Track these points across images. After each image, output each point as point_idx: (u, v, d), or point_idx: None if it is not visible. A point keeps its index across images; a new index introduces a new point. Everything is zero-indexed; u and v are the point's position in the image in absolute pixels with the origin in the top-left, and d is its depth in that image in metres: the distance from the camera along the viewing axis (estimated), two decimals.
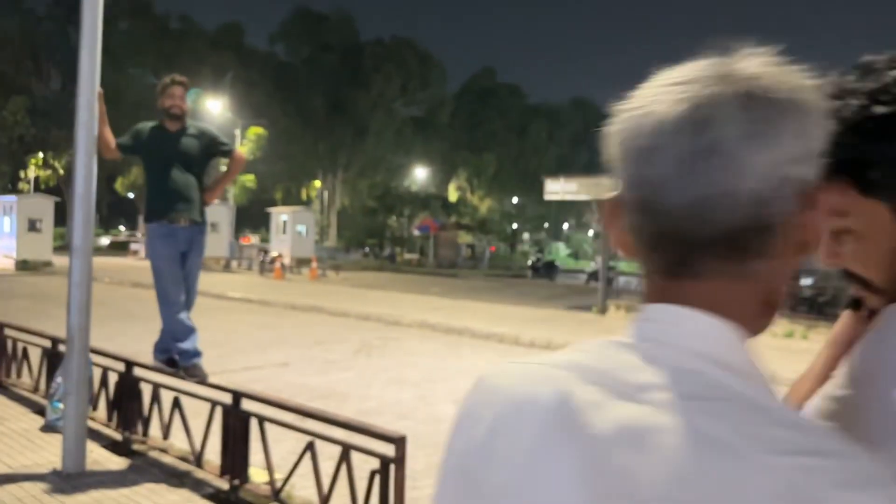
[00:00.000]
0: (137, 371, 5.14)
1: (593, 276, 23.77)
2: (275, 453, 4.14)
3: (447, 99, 58.42)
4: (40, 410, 5.95)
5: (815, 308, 14.32)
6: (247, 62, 42.18)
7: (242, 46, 44.73)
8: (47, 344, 6.14)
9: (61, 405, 5.41)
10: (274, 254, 24.47)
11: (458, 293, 19.32)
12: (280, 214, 29.81)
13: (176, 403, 4.73)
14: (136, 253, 32.22)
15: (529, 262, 26.54)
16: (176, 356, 4.65)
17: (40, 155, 38.93)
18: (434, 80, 56.65)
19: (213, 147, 4.75)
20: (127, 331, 11.03)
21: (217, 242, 27.80)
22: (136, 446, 5.05)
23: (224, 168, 5.71)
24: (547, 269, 25.50)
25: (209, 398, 4.58)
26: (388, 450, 3.34)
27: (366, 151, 50.89)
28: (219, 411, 4.37)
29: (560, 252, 36.89)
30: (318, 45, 50.53)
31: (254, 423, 4.16)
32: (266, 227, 49.74)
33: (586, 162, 66.90)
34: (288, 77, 46.23)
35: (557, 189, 13.84)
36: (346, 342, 11.39)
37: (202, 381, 4.53)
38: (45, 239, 23.02)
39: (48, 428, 5.45)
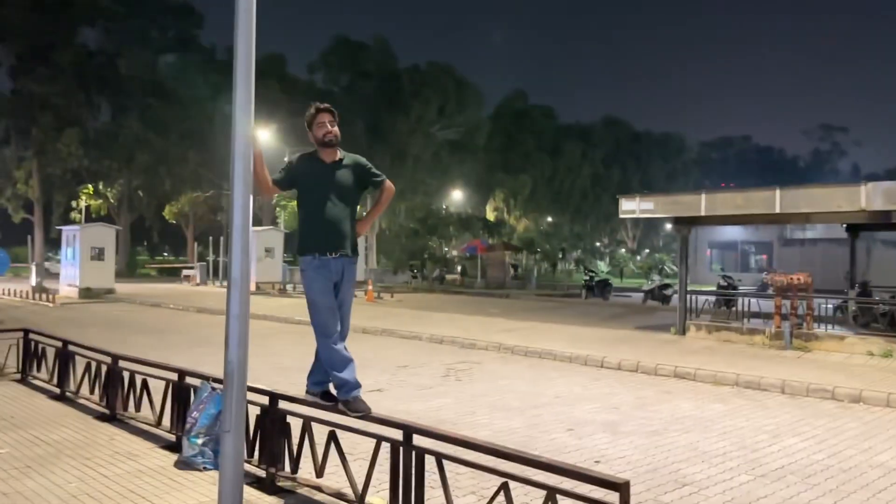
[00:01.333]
0: (282, 404, 5.03)
1: (650, 294, 23.36)
2: (458, 498, 3.97)
3: (483, 122, 58.60)
4: (168, 446, 5.87)
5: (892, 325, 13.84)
6: (290, 91, 42.69)
7: (285, 76, 45.36)
8: (171, 376, 6.07)
9: (199, 441, 5.32)
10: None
11: (517, 313, 19.08)
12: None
13: (332, 438, 4.60)
14: (189, 279, 32.51)
15: (583, 281, 26.14)
16: (334, 389, 4.53)
17: (90, 186, 39.71)
18: (470, 104, 56.88)
19: (366, 178, 4.66)
20: (209, 357, 11.01)
21: (272, 268, 27.97)
22: (281, 483, 4.92)
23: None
24: (601, 288, 25.11)
25: (371, 433, 4.44)
26: (604, 495, 3.15)
27: (404, 175, 51.12)
28: (385, 448, 4.23)
29: (602, 270, 36.39)
30: (356, 72, 51.23)
31: (429, 461, 4.00)
32: None
33: (619, 180, 66.56)
34: (329, 104, 46.81)
35: (633, 207, 13.60)
36: (428, 366, 11.24)
37: (365, 415, 4.39)
38: (108, 267, 23.37)
39: (184, 465, 5.35)
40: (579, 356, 11.71)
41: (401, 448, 4.12)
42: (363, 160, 4.72)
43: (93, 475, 5.11)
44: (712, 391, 9.50)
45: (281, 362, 11.06)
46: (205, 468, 5.26)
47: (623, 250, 67.29)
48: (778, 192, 11.57)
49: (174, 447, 5.79)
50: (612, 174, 67.75)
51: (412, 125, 50.54)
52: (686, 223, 13.46)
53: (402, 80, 51.18)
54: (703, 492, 5.46)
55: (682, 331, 13.52)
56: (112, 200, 39.30)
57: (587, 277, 26.21)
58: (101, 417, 6.75)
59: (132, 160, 38.31)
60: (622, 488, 3.07)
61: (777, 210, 11.56)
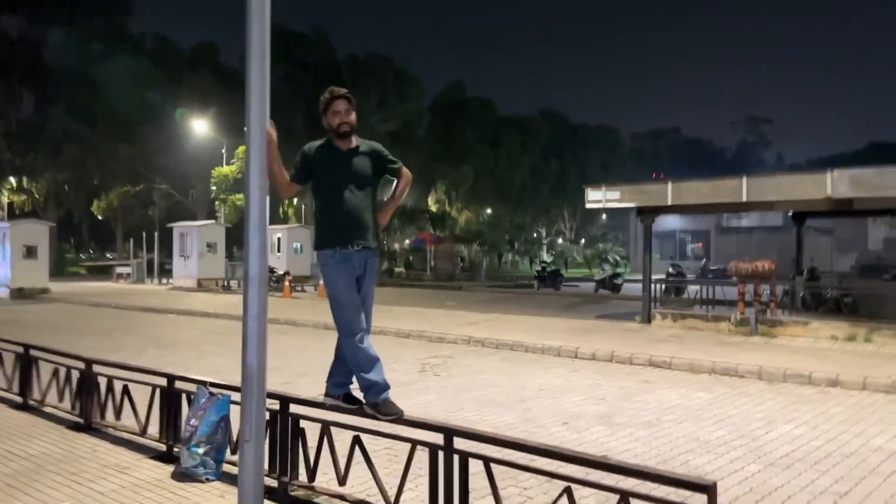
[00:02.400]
0: (294, 408, 4.70)
1: (602, 283, 23.63)
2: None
3: (423, 113, 58.29)
4: (159, 456, 5.45)
5: (843, 308, 14.32)
6: (224, 81, 41.39)
7: (219, 65, 43.94)
8: (157, 381, 5.63)
9: (200, 450, 4.95)
10: (281, 272, 23.83)
11: (475, 305, 18.96)
12: (274, 232, 29.17)
13: (356, 443, 4.30)
14: (123, 276, 31.18)
15: (535, 272, 26.23)
16: (360, 391, 4.23)
17: (13, 181, 37.62)
18: (410, 95, 56.49)
19: (382, 165, 4.37)
20: (168, 359, 10.50)
21: (215, 264, 27.07)
22: (295, 493, 4.60)
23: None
24: (552, 279, 25.25)
25: (404, 436, 4.17)
26: (684, 497, 2.98)
27: None
28: (422, 454, 3.96)
29: (548, 261, 36.80)
30: (294, 62, 50.18)
31: (475, 466, 3.76)
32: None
33: (558, 171, 67.45)
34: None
35: (600, 197, 13.59)
36: (402, 361, 10.96)
37: (398, 417, 4.11)
38: (41, 265, 22.09)
39: (184, 476, 4.95)
40: (552, 347, 11.64)
41: (440, 452, 3.87)
42: (379, 146, 4.43)
43: (85, 492, 4.66)
44: (691, 379, 9.56)
45: (286, 364, 10.63)
46: (207, 479, 4.88)
47: (560, 240, 68.26)
48: (745, 180, 11.75)
49: (166, 457, 5.37)
50: (551, 166, 68.50)
51: None
52: (651, 212, 13.57)
53: (341, 71, 50.36)
54: (720, 483, 5.39)
55: (648, 319, 13.64)
56: (38, 196, 37.27)
57: (539, 268, 26.32)
58: (75, 427, 6.23)
59: (59, 153, 36.41)
60: (710, 490, 2.90)
61: (744, 199, 11.74)
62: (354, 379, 4.35)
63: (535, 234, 72.75)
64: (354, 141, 4.30)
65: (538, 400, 8.24)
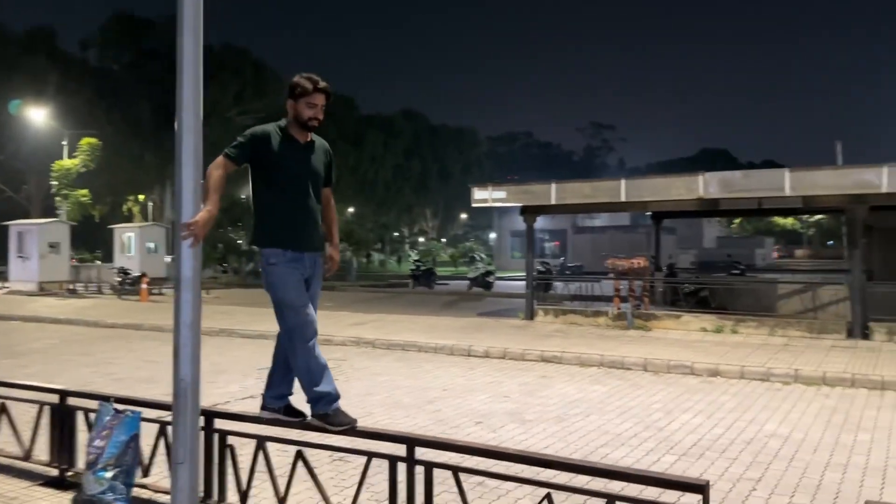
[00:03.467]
0: (219, 423, 4.25)
1: (475, 281, 23.98)
2: None
3: (283, 108, 56.69)
4: (52, 482, 4.79)
5: (699, 302, 15.41)
6: (62, 68, 38.00)
7: (56, 51, 40.29)
8: (49, 399, 4.92)
9: (108, 474, 4.38)
10: (137, 274, 22.12)
11: (354, 305, 18.57)
12: (125, 231, 27.14)
13: (300, 459, 3.95)
14: None
15: (410, 271, 26.18)
16: (309, 401, 3.89)
17: None
18: (269, 90, 54.68)
19: (328, 170, 4.02)
20: (31, 369, 9.41)
21: (58, 265, 24.75)
22: None
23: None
24: (426, 278, 25.31)
25: (356, 449, 3.87)
26: (678, 498, 2.95)
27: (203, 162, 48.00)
28: (379, 467, 3.68)
29: (416, 260, 36.96)
30: (141, 51, 47.07)
31: (441, 477, 3.54)
32: (96, 247, 45.14)
33: (420, 171, 68.06)
34: (109, 84, 42.42)
35: (486, 196, 13.68)
36: None
37: (350, 428, 3.81)
38: None
39: (88, 503, 4.35)
40: (445, 346, 11.57)
41: (399, 464, 3.61)
42: (328, 146, 4.08)
43: None
44: (583, 373, 9.82)
45: (117, 372, 9.71)
46: None
47: (422, 239, 68.88)
48: (623, 182, 12.29)
49: (61, 483, 4.70)
50: (413, 165, 68.86)
51: (207, 109, 47.12)
52: (535, 212, 13.86)
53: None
54: None
55: (531, 315, 13.92)
56: None
57: (413, 267, 26.28)
58: None
59: None
60: (704, 490, 2.88)
61: (623, 199, 12.27)
62: (297, 388, 4.00)
63: (396, 234, 72.87)
64: (310, 135, 3.93)
65: (445, 400, 8.12)
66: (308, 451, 4.00)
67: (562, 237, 43.64)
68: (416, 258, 27.03)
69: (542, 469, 3.48)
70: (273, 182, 3.78)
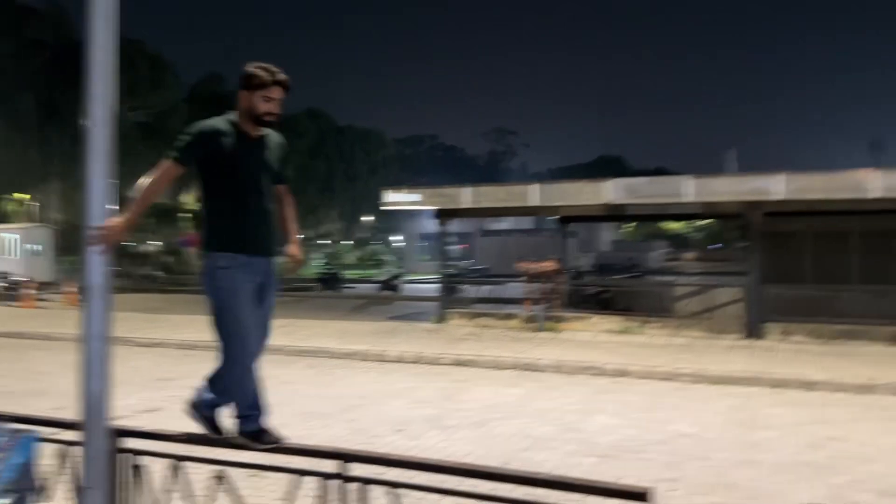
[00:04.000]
0: (129, 442, 3.91)
1: (384, 284, 23.81)
2: None
3: (179, 105, 54.42)
4: None
5: (601, 304, 15.87)
6: None
7: None
8: None
9: (6, 500, 3.97)
10: (18, 277, 20.59)
11: None
12: (6, 232, 25.29)
13: (220, 481, 3.68)
14: None
15: (317, 275, 25.65)
16: (237, 418, 3.63)
17: None
18: (164, 85, 52.41)
19: (284, 163, 3.70)
20: None
21: None
22: None
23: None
24: (333, 281, 24.90)
25: (285, 467, 3.64)
26: None
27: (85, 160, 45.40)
28: (310, 485, 3.48)
29: (326, 263, 36.42)
30: (24, 40, 44.13)
31: (376, 493, 3.38)
32: None
33: (325, 171, 67.10)
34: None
35: (400, 199, 13.54)
36: (195, 376, 9.82)
37: (277, 444, 3.58)
38: None
39: None
40: (357, 351, 11.36)
41: (330, 482, 3.42)
42: (282, 139, 3.74)
43: None
44: (499, 376, 9.86)
45: (5, 385, 8.97)
46: None
47: (329, 242, 67.89)
48: (538, 186, 12.49)
49: None
50: (318, 165, 67.75)
51: None
52: (449, 215, 13.85)
53: (82, 52, 45.21)
54: None
55: (443, 319, 13.90)
56: None
57: (320, 270, 25.78)
58: None
59: None
60: (646, 497, 2.87)
61: (536, 203, 12.45)
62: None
63: (301, 236, 71.44)
64: (261, 129, 3.59)
65: (362, 408, 7.93)
66: (231, 471, 3.74)
67: (469, 240, 44.07)
68: (323, 261, 26.53)
69: (483, 480, 3.38)
70: (223, 182, 3.45)
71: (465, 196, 12.95)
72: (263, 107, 3.35)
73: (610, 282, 17.38)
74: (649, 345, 11.77)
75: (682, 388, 9.12)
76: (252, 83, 3.34)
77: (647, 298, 14.43)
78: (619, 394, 8.76)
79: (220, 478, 3.72)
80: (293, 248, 3.69)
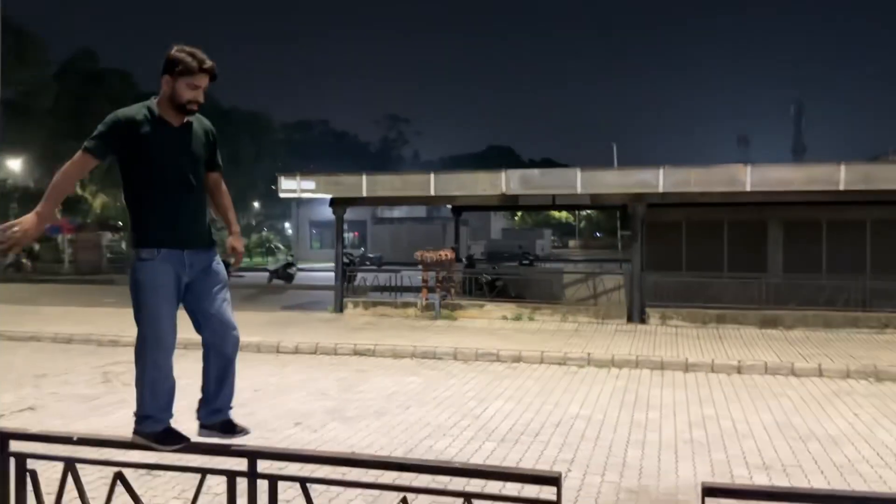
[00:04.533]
0: (16, 445, 3.66)
1: (275, 273, 23.25)
2: None
3: (49, 82, 50.73)
4: None
5: (495, 292, 16.28)
6: None
7: None
8: None
9: None
10: None
11: None
12: None
13: (120, 482, 3.52)
14: None
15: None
16: (137, 416, 3.48)
17: None
18: (32, 60, 48.70)
19: (211, 154, 3.50)
20: None
21: None
22: None
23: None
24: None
25: (189, 467, 3.53)
26: (536, 492, 3.05)
27: None
28: (217, 484, 3.40)
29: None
30: None
31: (286, 489, 3.35)
32: None
33: (224, 157, 64.58)
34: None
35: (294, 187, 13.22)
36: (75, 372, 9.44)
37: (184, 446, 3.46)
38: None
39: None
40: (251, 343, 11.06)
41: (238, 479, 3.36)
42: (210, 125, 3.55)
43: None
44: (397, 365, 9.91)
45: None
46: None
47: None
48: (433, 176, 12.57)
49: None
50: None
51: None
52: (344, 203, 13.70)
53: None
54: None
55: (340, 308, 13.78)
56: None
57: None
58: None
59: None
60: (557, 482, 3.00)
61: (432, 193, 12.54)
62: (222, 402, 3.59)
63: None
64: (185, 116, 3.39)
65: (259, 402, 7.76)
66: (131, 473, 3.59)
67: (361, 228, 43.76)
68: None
69: (395, 472, 3.43)
70: (144, 173, 3.22)
71: (361, 184, 12.88)
72: (187, 94, 3.17)
73: (504, 270, 17.77)
74: (541, 331, 12.17)
75: (573, 371, 9.50)
76: (176, 69, 3.14)
77: (539, 286, 14.90)
78: (515, 379, 9.02)
79: (118, 480, 3.57)
80: (233, 240, 3.54)
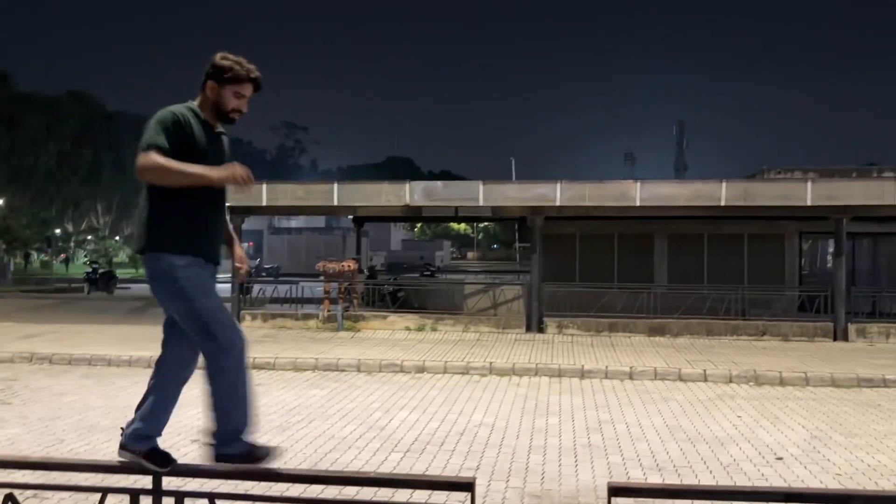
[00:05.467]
0: None
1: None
2: None
3: None
4: None
5: (398, 303, 16.34)
6: None
7: None
8: None
9: None
10: None
11: (17, 315, 15.98)
12: None
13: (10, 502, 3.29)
14: None
15: (85, 274, 23.27)
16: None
17: None
18: None
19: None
20: None
21: None
22: None
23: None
24: (105, 282, 22.74)
25: (85, 486, 3.34)
26: (454, 498, 3.11)
27: None
28: None
29: (86, 260, 33.20)
30: None
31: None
32: None
33: (91, 160, 61.27)
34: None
35: None
36: None
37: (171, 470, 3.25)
38: None
39: None
40: (141, 358, 10.57)
41: (142, 498, 3.23)
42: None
43: None
44: (299, 378, 9.73)
45: None
46: None
47: (90, 237, 62.13)
48: (336, 186, 12.46)
49: None
50: (83, 154, 61.66)
51: None
52: (243, 212, 13.32)
53: None
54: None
55: (237, 320, 13.35)
56: None
57: (90, 270, 23.44)
58: None
59: None
60: (471, 487, 3.07)
61: (335, 202, 12.42)
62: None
63: (59, 231, 64.48)
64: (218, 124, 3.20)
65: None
66: (23, 494, 3.36)
67: (257, 238, 42.66)
68: (91, 259, 24.25)
69: (308, 485, 3.39)
70: None
71: (262, 193, 12.59)
72: (233, 103, 3.03)
73: (406, 281, 17.82)
74: (444, 341, 12.28)
75: (476, 380, 9.65)
76: (225, 75, 3.00)
77: (441, 297, 15.05)
78: (419, 389, 9.06)
79: (9, 502, 3.35)
80: (240, 250, 3.35)
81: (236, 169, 2.81)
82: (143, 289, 25.00)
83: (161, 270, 2.94)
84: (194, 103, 3.06)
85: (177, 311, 2.98)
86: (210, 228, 3.04)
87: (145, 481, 3.32)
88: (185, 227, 2.96)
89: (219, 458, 3.16)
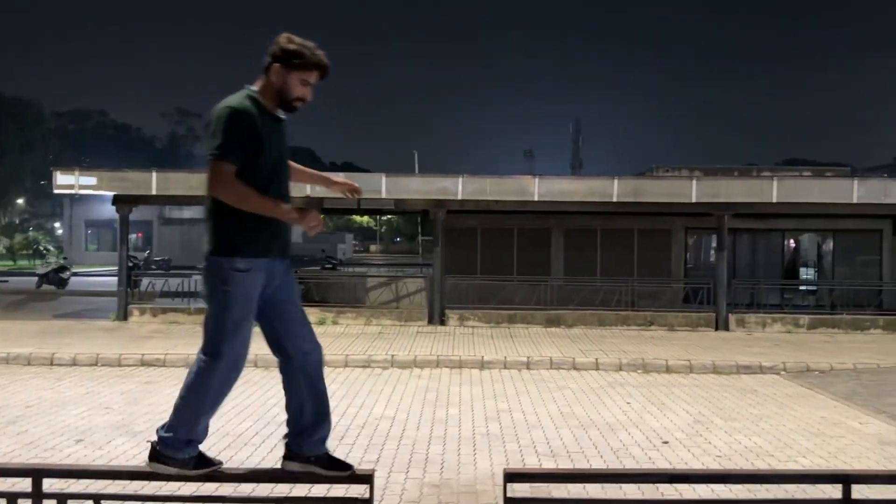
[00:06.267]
0: None
1: (45, 278, 20.95)
2: None
3: None
4: None
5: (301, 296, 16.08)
6: None
7: None
8: None
9: None
10: None
11: None
12: None
13: None
14: None
15: (36, 267, 21.43)
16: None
17: None
18: None
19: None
20: None
21: None
22: None
23: None
24: (57, 275, 21.08)
25: None
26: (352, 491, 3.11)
27: None
28: None
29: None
30: None
31: None
32: None
33: None
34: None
35: (71, 182, 11.91)
36: None
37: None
38: None
39: None
40: (20, 355, 9.95)
41: (21, 501, 3.05)
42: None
43: None
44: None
45: None
46: None
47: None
48: None
49: None
50: None
51: None
52: (130, 202, 12.67)
53: None
54: None
55: (125, 316, 12.74)
56: None
57: (39, 263, 21.66)
58: None
59: None
60: (369, 479, 3.09)
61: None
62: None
63: None
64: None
65: (31, 419, 6.99)
66: None
67: (146, 228, 40.71)
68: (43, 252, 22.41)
69: (201, 483, 3.29)
70: (258, 174, 2.75)
71: (152, 182, 12.02)
72: (299, 90, 2.83)
73: (307, 274, 17.52)
74: (346, 334, 12.18)
75: (377, 373, 9.63)
76: (294, 60, 2.78)
77: (342, 290, 14.90)
78: (328, 383, 8.93)
79: None
80: (336, 178, 3.46)
81: (309, 221, 2.77)
82: (24, 282, 23.41)
83: (219, 271, 2.82)
84: (254, 88, 2.85)
85: (209, 306, 2.91)
86: (274, 224, 2.85)
87: (24, 484, 3.14)
88: (251, 227, 2.80)
89: (152, 455, 3.05)
